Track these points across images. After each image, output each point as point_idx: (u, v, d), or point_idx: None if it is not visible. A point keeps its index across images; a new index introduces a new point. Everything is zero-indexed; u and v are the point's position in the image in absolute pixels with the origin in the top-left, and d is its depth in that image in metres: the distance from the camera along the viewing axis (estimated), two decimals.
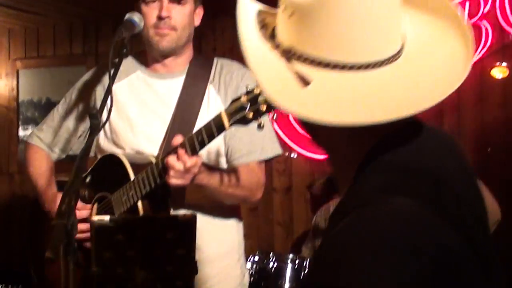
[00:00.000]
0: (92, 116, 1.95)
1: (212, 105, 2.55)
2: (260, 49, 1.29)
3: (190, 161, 2.18)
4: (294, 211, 5.68)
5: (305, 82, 1.19)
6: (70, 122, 2.75)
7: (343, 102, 1.18)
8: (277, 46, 1.28)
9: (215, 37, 5.83)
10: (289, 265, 3.89)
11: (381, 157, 1.22)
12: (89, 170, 2.59)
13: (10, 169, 6.68)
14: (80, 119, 2.73)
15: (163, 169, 2.24)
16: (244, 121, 2.05)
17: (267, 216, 5.71)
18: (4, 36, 6.88)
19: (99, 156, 2.65)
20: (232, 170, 2.50)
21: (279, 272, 3.89)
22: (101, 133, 2.62)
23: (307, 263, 3.86)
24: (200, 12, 2.64)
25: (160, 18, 2.48)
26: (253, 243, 5.31)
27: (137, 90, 2.63)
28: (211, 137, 2.14)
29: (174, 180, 2.22)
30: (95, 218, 2.02)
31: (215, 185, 2.40)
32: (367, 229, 1.10)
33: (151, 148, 2.52)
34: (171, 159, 2.19)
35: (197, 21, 2.64)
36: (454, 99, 5.18)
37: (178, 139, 2.22)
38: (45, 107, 6.42)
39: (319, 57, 1.21)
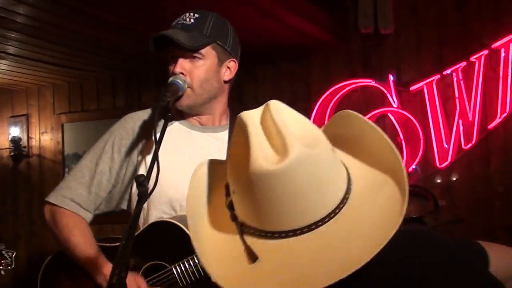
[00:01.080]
0: (140, 183, 1.87)
1: None
2: (216, 222, 1.39)
3: None
4: None
5: (253, 257, 1.27)
6: (104, 177, 2.52)
7: (282, 276, 1.24)
8: (234, 218, 1.35)
9: (256, 86, 5.85)
10: None
11: None
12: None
13: None
14: (114, 175, 2.52)
15: None
16: None
17: None
18: (48, 92, 7.01)
19: (129, 208, 2.53)
20: None
21: None
22: (134, 187, 2.44)
23: None
24: (232, 65, 2.49)
25: (174, 74, 2.37)
26: None
27: (178, 143, 2.49)
28: None
29: None
30: None
31: None
32: None
33: None
34: None
35: (228, 75, 2.48)
36: (502, 141, 5.11)
37: None
38: None
39: (262, 229, 1.28)
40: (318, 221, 1.26)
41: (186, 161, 2.44)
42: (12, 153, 6.99)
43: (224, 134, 2.52)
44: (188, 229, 2.26)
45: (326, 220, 1.27)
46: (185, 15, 2.43)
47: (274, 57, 5.80)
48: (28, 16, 4.43)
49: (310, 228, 1.26)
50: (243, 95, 5.70)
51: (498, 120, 5.12)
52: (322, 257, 1.24)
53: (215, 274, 1.26)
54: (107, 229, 4.48)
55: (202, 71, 2.40)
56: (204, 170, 1.48)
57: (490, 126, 5.15)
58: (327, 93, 5.57)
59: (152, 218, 2.45)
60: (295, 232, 1.26)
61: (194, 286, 2.30)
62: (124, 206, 2.57)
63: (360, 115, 1.41)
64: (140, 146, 2.49)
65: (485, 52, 5.15)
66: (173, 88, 2.31)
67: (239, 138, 1.33)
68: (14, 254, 3.46)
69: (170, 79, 2.35)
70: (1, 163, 7.11)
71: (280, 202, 1.24)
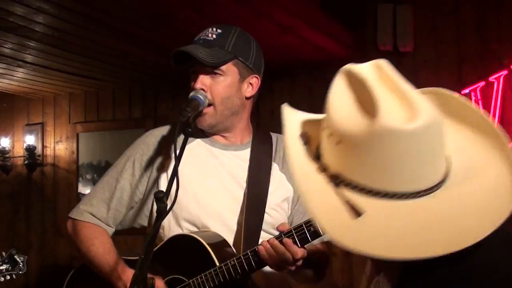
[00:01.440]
0: (159, 199, 1.86)
1: (277, 183, 2.47)
2: (306, 172, 1.32)
3: (300, 252, 2.15)
4: (354, 276, 5.56)
5: (357, 212, 1.22)
6: (125, 194, 2.52)
7: (394, 235, 1.21)
8: (324, 169, 1.31)
9: (273, 99, 5.82)
10: None
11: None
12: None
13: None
14: (134, 191, 2.52)
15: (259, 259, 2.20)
16: None
17: (327, 280, 5.59)
18: (64, 100, 7.02)
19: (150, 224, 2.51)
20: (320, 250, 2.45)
21: None
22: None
23: None
24: (254, 81, 2.46)
25: (194, 90, 2.35)
26: None
27: (200, 159, 2.47)
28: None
29: (274, 269, 2.20)
30: None
31: (307, 275, 2.40)
32: None
33: (218, 224, 2.40)
34: (280, 248, 2.14)
35: (250, 92, 2.46)
36: None
37: (284, 226, 2.18)
38: (105, 170, 6.41)
39: (369, 186, 1.24)
40: (427, 189, 1.25)
41: (207, 178, 2.44)
42: (26, 162, 6.98)
43: (246, 153, 2.50)
44: (204, 242, 2.30)
45: (435, 189, 1.26)
46: (208, 30, 2.41)
47: (292, 71, 5.78)
48: (47, 26, 4.43)
49: (418, 194, 1.24)
50: (259, 108, 5.68)
51: None
52: (435, 225, 1.22)
53: (325, 223, 1.24)
54: (120, 240, 4.46)
55: (222, 88, 2.38)
56: (298, 115, 1.47)
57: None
58: None
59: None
60: (402, 196, 1.24)
61: None
62: (144, 222, 2.57)
63: (452, 92, 1.44)
64: (161, 162, 2.48)
65: (504, 72, 5.10)
66: (194, 103, 2.30)
67: (350, 89, 1.31)
68: (26, 258, 3.45)
69: (191, 94, 2.34)
70: (16, 171, 7.11)
71: (398, 163, 1.22)
